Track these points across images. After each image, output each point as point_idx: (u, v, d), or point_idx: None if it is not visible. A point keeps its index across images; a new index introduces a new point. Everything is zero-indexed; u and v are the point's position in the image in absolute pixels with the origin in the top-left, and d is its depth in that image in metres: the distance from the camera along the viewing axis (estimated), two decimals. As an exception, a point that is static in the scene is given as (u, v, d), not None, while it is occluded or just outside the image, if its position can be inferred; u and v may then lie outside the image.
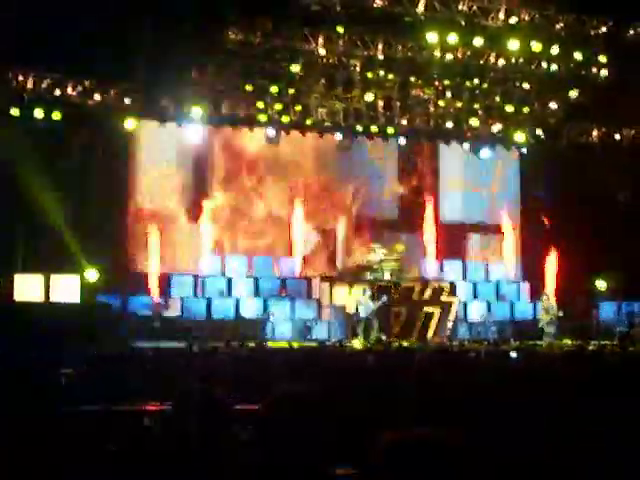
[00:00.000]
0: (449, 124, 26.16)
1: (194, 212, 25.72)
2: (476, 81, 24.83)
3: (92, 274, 22.29)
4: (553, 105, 26.28)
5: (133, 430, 4.81)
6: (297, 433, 3.22)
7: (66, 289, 21.36)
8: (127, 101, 23.68)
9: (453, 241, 28.03)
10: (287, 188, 26.87)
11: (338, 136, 26.20)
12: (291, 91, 24.37)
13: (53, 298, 20.93)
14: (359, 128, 25.91)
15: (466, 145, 27.44)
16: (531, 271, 27.88)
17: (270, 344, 18.67)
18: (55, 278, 21.35)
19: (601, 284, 27.01)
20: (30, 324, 17.34)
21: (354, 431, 4.12)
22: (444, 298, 25.02)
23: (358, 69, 24.12)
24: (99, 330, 18.49)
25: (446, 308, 24.93)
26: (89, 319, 19.45)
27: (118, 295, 22.89)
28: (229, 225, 26.28)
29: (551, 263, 27.30)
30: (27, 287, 21.09)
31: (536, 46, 23.38)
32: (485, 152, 27.63)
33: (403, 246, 25.94)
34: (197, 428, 3.52)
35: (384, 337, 22.94)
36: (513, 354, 8.35)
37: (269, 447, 3.23)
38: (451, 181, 28.80)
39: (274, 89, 24.08)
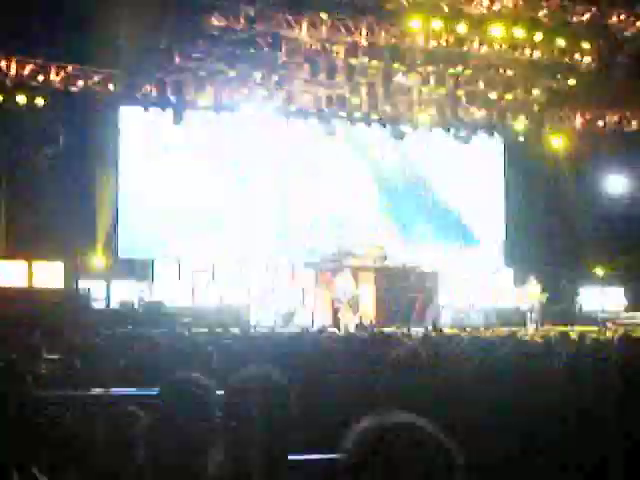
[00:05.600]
0: (432, 111, 26.19)
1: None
2: (460, 68, 24.81)
3: (76, 260, 22.22)
4: (536, 92, 26.34)
5: (118, 416, 4.81)
6: (260, 417, 3.26)
7: (49, 275, 21.28)
8: (111, 87, 23.61)
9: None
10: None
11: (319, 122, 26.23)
12: (274, 77, 24.33)
13: (36, 284, 20.86)
14: (342, 114, 25.92)
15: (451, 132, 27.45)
16: (516, 256, 27.98)
17: (253, 331, 18.68)
18: (38, 264, 21.27)
19: (583, 270, 27.22)
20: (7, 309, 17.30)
21: (331, 418, 4.15)
22: (428, 284, 25.08)
23: (342, 55, 24.09)
24: (77, 316, 18.46)
25: (429, 294, 24.99)
26: (68, 305, 19.40)
27: (103, 280, 22.87)
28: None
29: (536, 248, 27.40)
30: (10, 273, 21.00)
31: (520, 33, 23.39)
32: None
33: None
34: (180, 415, 3.54)
35: (367, 323, 22.97)
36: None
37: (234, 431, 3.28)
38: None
39: (258, 75, 24.03)
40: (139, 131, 25.56)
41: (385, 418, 2.35)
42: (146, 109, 24.40)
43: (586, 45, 24.45)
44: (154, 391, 3.84)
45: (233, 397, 3.45)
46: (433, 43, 23.69)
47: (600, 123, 28.18)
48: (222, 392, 3.57)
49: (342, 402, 5.01)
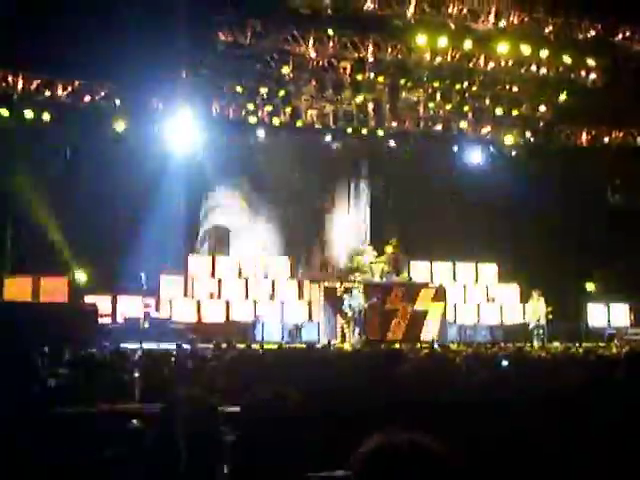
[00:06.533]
0: (438, 127, 26.23)
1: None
2: (466, 84, 24.85)
3: (81, 275, 22.26)
4: (542, 108, 26.37)
5: (121, 432, 4.81)
6: (279, 435, 3.24)
7: (55, 290, 21.33)
8: (117, 102, 23.67)
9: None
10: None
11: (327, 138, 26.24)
12: (281, 93, 24.37)
13: (42, 300, 20.90)
14: (349, 130, 25.97)
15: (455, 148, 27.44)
16: (521, 272, 27.88)
17: (259, 346, 18.64)
18: (44, 280, 21.33)
19: (590, 286, 27.14)
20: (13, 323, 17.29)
21: (338, 435, 4.13)
22: (433, 300, 25.03)
23: (348, 71, 24.15)
24: (83, 331, 18.44)
25: (435, 310, 24.93)
26: (73, 320, 19.37)
27: (108, 296, 22.83)
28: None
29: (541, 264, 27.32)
30: (16, 289, 21.04)
31: (525, 49, 23.45)
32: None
33: (392, 247, 25.89)
34: (185, 430, 3.53)
35: (373, 338, 22.94)
36: (504, 362, 8.25)
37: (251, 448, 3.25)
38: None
39: (264, 90, 24.09)
40: (144, 144, 25.45)
41: (393, 437, 2.35)
42: (152, 125, 24.38)
43: (592, 62, 24.50)
44: (158, 407, 3.83)
45: (250, 416, 3.41)
46: (439, 59, 23.77)
47: (606, 139, 28.18)
48: (230, 409, 3.55)
49: (350, 418, 4.99)
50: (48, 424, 5.06)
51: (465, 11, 22.96)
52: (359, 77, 24.11)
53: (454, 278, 27.44)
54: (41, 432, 4.79)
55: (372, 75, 24.14)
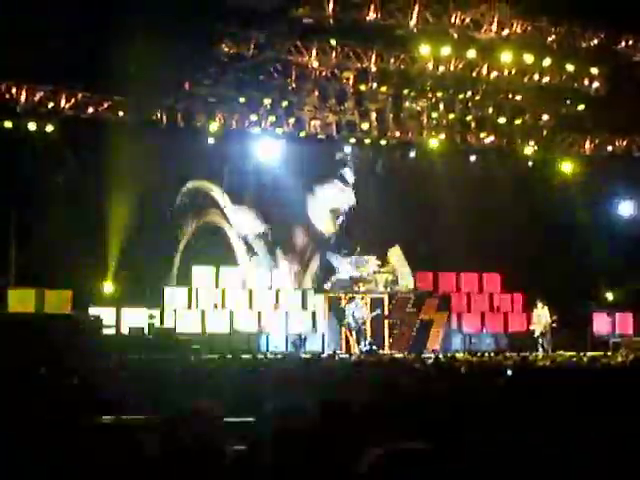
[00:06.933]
0: (442, 136, 26.26)
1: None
2: (469, 93, 24.87)
3: (86, 287, 22.34)
4: (545, 117, 26.40)
5: (125, 444, 4.78)
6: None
7: (60, 302, 21.34)
8: (120, 114, 23.73)
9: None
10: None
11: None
12: (284, 103, 24.39)
13: (47, 312, 20.91)
14: (352, 140, 26.01)
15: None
16: (525, 281, 27.86)
17: (264, 357, 18.63)
18: (48, 291, 21.35)
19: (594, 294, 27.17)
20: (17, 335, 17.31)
21: (343, 446, 4.12)
22: (439, 309, 25.02)
23: (351, 81, 24.19)
24: (87, 342, 18.46)
25: (440, 319, 24.93)
26: (77, 331, 19.38)
27: (113, 307, 22.84)
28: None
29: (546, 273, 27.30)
30: (21, 301, 21.05)
31: (528, 58, 23.46)
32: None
33: (397, 256, 25.88)
34: (189, 443, 3.52)
35: (377, 348, 22.94)
36: (508, 372, 8.23)
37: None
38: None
39: (268, 101, 24.12)
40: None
41: (397, 445, 2.35)
42: (155, 135, 24.44)
43: (595, 70, 24.52)
44: (163, 418, 3.83)
45: (265, 426, 3.40)
46: (442, 69, 23.79)
47: (609, 148, 28.19)
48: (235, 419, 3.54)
49: (356, 427, 4.98)
50: (51, 436, 5.04)
51: (468, 20, 22.96)
52: (362, 87, 24.13)
53: (458, 287, 27.43)
54: (44, 444, 4.77)
55: (375, 85, 24.15)
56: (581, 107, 25.60)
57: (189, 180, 25.81)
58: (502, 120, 25.73)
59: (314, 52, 23.30)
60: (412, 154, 27.05)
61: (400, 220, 26.41)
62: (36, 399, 4.85)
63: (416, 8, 22.27)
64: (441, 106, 25.32)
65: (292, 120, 24.98)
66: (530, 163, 27.91)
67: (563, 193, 27.75)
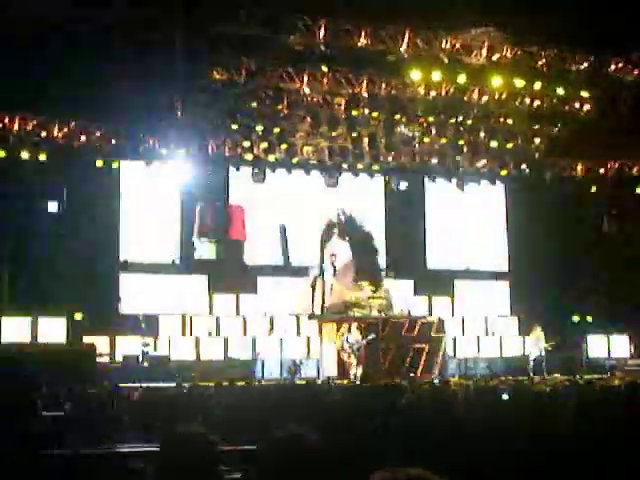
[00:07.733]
0: (434, 160, 26.33)
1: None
2: (460, 118, 24.96)
3: (78, 316, 22.27)
4: (537, 140, 26.50)
5: (118, 473, 4.76)
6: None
7: (53, 331, 21.30)
8: (113, 142, 23.79)
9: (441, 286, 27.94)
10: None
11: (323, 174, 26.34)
12: (276, 130, 24.43)
13: (40, 340, 20.86)
14: (345, 166, 26.07)
15: (453, 181, 27.48)
16: (521, 305, 27.87)
17: (259, 384, 18.60)
18: (42, 320, 21.31)
19: (588, 318, 27.15)
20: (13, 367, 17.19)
21: (343, 471, 4.10)
22: (433, 334, 24.97)
23: (343, 107, 24.26)
24: (81, 371, 18.39)
25: (435, 344, 24.87)
26: (71, 360, 19.31)
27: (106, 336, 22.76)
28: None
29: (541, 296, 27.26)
30: (14, 329, 21.00)
31: (519, 82, 23.58)
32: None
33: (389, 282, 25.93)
34: (184, 470, 3.50)
35: (372, 374, 22.86)
36: (505, 396, 8.15)
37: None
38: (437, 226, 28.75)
39: (259, 128, 24.15)
40: (140, 185, 25.52)
41: (396, 472, 2.34)
42: (148, 164, 24.47)
43: (585, 93, 24.62)
44: (156, 446, 3.79)
45: (268, 453, 3.37)
46: (433, 94, 23.90)
47: (601, 170, 28.29)
48: (229, 447, 3.52)
49: (355, 453, 4.96)
50: (47, 464, 5.01)
51: (458, 46, 23.07)
52: (354, 113, 24.19)
53: (453, 312, 27.43)
54: (40, 472, 4.74)
55: (367, 111, 24.23)
56: (572, 130, 25.69)
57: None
58: (494, 144, 25.79)
59: (305, 78, 23.39)
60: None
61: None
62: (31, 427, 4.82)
63: (406, 34, 22.41)
64: (433, 131, 25.39)
65: (284, 146, 24.98)
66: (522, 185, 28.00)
67: (554, 214, 27.79)
